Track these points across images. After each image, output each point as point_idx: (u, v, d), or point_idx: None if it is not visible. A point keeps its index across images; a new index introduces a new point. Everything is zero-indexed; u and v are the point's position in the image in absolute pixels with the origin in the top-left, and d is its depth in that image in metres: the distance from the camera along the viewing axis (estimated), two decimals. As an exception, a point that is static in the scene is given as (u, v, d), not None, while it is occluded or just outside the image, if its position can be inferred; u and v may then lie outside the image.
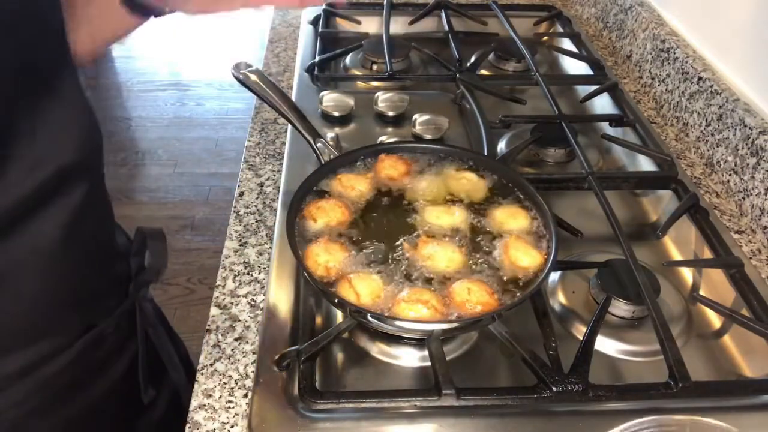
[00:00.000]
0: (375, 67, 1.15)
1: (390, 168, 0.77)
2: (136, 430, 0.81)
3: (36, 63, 0.54)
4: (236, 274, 0.75)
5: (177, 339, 0.90)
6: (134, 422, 0.81)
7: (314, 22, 1.27)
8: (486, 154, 0.89)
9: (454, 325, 0.61)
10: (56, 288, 0.62)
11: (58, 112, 0.57)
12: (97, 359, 0.70)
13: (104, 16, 0.62)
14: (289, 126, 0.95)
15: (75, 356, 0.66)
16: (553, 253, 0.66)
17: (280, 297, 0.69)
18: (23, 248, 0.57)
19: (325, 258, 0.65)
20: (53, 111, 0.56)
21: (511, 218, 0.72)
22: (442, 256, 0.66)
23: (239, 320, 0.69)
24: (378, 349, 0.67)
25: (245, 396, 0.61)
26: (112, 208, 0.72)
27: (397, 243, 0.68)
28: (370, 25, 1.28)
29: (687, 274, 0.80)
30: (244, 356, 0.65)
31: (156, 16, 0.63)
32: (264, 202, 0.86)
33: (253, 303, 0.71)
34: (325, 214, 0.69)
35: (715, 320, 0.74)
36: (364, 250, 0.67)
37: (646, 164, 0.95)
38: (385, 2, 1.27)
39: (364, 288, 0.62)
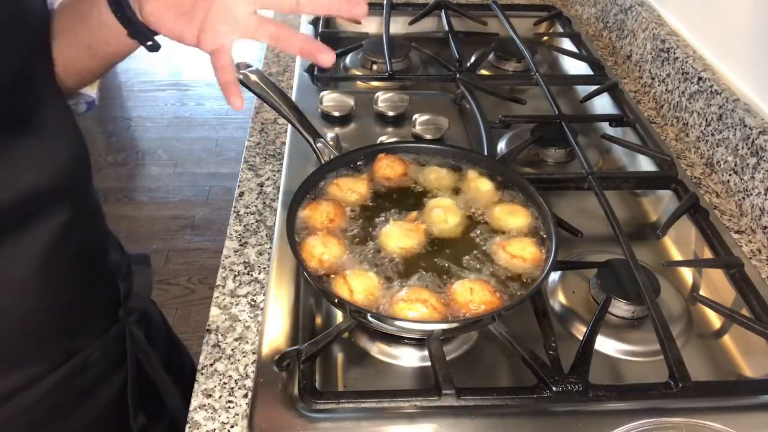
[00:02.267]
0: (375, 67, 1.15)
1: (387, 168, 0.77)
2: None
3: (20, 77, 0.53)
4: (236, 274, 0.75)
5: (182, 349, 0.88)
6: None
7: (314, 22, 1.27)
8: (486, 154, 0.89)
9: (454, 325, 0.61)
10: (36, 315, 0.60)
11: (32, 133, 0.54)
12: (82, 385, 0.68)
13: (105, 34, 0.58)
14: (289, 126, 0.95)
15: (55, 383, 0.64)
16: (553, 253, 0.66)
17: (280, 297, 0.69)
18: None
19: (321, 250, 0.65)
20: (27, 132, 0.54)
21: (510, 216, 0.72)
22: (446, 217, 0.69)
23: (239, 320, 0.69)
24: (378, 349, 0.67)
25: (245, 396, 0.61)
26: (104, 224, 0.70)
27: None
28: (370, 25, 1.28)
29: (687, 274, 0.80)
30: (244, 356, 0.65)
31: (150, 50, 0.58)
32: (264, 202, 0.86)
33: (253, 303, 0.71)
34: (321, 216, 0.69)
35: (715, 320, 0.74)
36: (360, 247, 0.67)
37: (646, 164, 0.95)
38: (385, 2, 1.27)
39: (359, 285, 0.62)
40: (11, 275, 0.56)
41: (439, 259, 0.67)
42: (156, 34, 0.56)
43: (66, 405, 0.67)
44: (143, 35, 0.56)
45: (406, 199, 0.74)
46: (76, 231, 0.62)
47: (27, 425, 0.63)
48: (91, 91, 0.68)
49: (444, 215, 0.71)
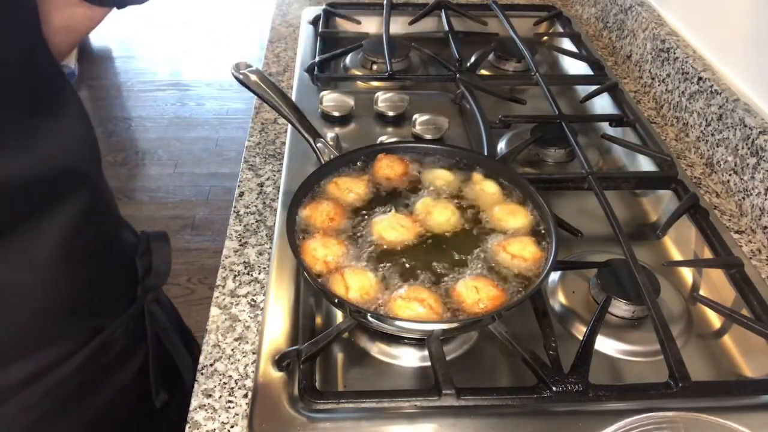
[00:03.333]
0: (375, 67, 1.15)
1: (387, 168, 0.77)
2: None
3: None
4: (236, 274, 0.75)
5: (190, 340, 0.89)
6: (148, 426, 0.80)
7: (314, 21, 1.27)
8: (486, 154, 0.89)
9: (454, 325, 0.61)
10: (59, 296, 0.62)
11: (55, 114, 0.56)
12: (106, 363, 0.70)
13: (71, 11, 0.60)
14: (289, 126, 0.95)
15: (82, 361, 0.66)
16: (553, 253, 0.66)
17: (280, 297, 0.69)
18: (21, 258, 0.56)
19: (323, 252, 0.65)
20: (51, 113, 0.55)
21: (510, 216, 0.72)
22: (440, 213, 0.70)
23: (239, 320, 0.69)
24: (378, 349, 0.67)
25: (245, 396, 0.61)
26: (117, 209, 0.71)
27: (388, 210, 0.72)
28: (370, 25, 1.28)
29: (687, 274, 0.80)
30: (244, 356, 0.65)
31: (119, 8, 0.62)
32: (264, 202, 0.86)
33: (253, 303, 0.71)
34: (321, 215, 0.69)
35: (715, 320, 0.74)
36: (360, 246, 0.67)
37: (646, 164, 0.95)
38: (385, 2, 1.27)
39: (356, 282, 0.62)
40: (36, 256, 0.57)
41: (438, 259, 0.67)
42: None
43: (91, 383, 0.68)
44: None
45: (406, 199, 0.75)
46: (96, 212, 0.64)
47: (55, 405, 0.65)
48: (70, 62, 0.70)
49: (441, 214, 0.71)
